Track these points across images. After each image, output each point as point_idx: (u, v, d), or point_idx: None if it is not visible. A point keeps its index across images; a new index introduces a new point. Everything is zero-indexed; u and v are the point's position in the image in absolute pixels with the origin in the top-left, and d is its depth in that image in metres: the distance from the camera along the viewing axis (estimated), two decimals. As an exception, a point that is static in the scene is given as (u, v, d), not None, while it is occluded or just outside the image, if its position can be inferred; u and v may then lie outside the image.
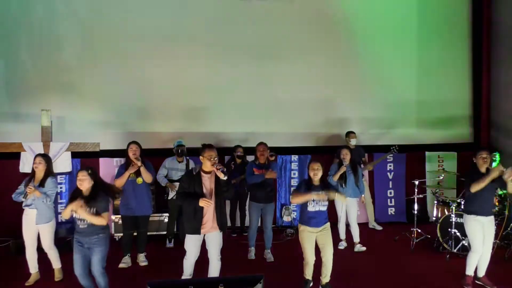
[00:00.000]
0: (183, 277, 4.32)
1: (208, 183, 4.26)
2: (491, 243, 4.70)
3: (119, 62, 7.00)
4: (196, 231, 4.23)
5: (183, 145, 6.24)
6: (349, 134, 7.09)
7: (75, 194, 4.04)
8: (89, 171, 4.07)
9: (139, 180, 5.31)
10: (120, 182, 5.22)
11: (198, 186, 4.21)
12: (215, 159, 4.22)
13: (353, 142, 7.00)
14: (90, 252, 4.07)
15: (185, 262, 4.36)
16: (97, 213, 3.99)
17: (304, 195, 4.47)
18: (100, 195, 4.07)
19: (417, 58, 7.96)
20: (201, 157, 4.27)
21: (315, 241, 4.58)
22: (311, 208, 4.51)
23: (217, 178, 4.24)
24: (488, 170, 4.52)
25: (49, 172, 4.83)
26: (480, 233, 4.61)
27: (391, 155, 7.25)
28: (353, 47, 7.71)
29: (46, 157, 4.90)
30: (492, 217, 4.70)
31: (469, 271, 4.70)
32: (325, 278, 4.59)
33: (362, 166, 6.88)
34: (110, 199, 4.21)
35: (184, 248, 4.36)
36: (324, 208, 4.56)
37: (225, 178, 4.15)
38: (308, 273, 4.61)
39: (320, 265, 4.59)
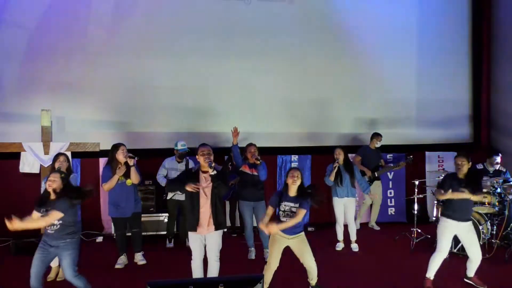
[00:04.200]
0: None
1: (204, 182, 4.20)
2: (477, 247, 4.50)
3: (119, 62, 6.99)
4: (193, 227, 4.16)
5: (187, 151, 6.13)
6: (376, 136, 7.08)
7: (43, 197, 3.92)
8: (62, 175, 3.96)
9: (129, 181, 5.20)
10: (109, 186, 5.11)
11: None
12: (207, 154, 4.16)
13: (377, 144, 7.02)
14: (59, 257, 3.97)
15: (192, 264, 4.26)
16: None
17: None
18: (62, 199, 3.87)
19: (417, 58, 7.97)
20: (197, 156, 4.26)
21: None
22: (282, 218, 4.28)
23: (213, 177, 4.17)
24: (467, 175, 4.42)
25: (70, 170, 5.01)
26: (450, 234, 4.50)
27: (405, 165, 7.16)
28: (353, 47, 7.71)
29: (67, 156, 5.04)
30: (469, 223, 4.50)
31: (430, 273, 4.55)
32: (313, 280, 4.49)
33: (380, 169, 7.03)
34: (75, 202, 3.95)
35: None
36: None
37: (213, 172, 4.08)
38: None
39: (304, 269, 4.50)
